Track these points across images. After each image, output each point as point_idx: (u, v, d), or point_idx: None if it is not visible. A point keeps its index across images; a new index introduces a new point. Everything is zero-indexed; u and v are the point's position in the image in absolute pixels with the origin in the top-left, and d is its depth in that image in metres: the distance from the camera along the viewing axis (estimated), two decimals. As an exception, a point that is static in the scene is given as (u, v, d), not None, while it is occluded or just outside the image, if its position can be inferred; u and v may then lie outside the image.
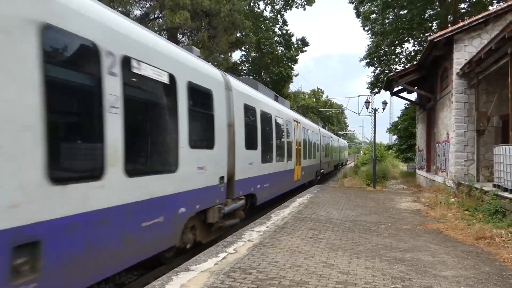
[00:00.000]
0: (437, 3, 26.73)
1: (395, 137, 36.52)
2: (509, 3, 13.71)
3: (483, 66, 12.55)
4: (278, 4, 42.75)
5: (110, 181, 4.91)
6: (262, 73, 44.22)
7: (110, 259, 5.02)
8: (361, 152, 71.26)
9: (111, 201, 4.95)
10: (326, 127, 40.59)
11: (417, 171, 23.61)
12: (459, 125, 14.22)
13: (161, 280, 5.35)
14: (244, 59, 45.49)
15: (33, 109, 3.89)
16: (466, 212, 10.70)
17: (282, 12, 43.36)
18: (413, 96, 23.34)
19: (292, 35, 44.24)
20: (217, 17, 27.12)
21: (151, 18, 28.35)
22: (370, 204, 13.19)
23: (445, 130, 15.98)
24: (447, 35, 14.17)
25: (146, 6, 28.52)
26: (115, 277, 6.55)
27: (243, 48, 41.42)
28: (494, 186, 11.07)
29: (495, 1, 25.46)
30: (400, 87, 19.65)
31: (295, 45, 44.78)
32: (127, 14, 25.10)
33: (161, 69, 6.15)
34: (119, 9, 24.29)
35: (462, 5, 27.25)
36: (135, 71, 5.56)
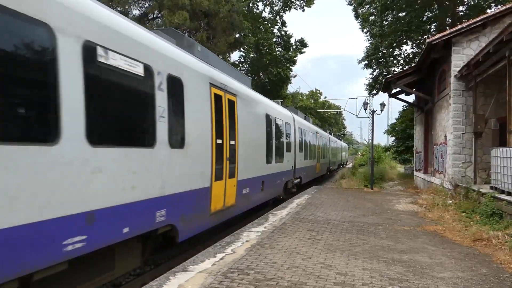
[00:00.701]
0: (436, 5, 26.83)
1: (392, 138, 36.66)
2: (507, 7, 13.77)
3: (481, 69, 12.60)
4: (277, 5, 42.81)
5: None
6: (261, 74, 44.24)
7: (266, 196, 12.68)
8: (359, 153, 71.37)
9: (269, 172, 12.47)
10: (328, 131, 40.91)
11: (415, 172, 23.68)
12: (457, 127, 14.26)
13: (159, 280, 5.35)
14: (243, 60, 45.49)
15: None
16: (463, 214, 10.73)
17: (281, 13, 43.41)
18: (411, 98, 23.42)
19: (291, 36, 44.30)
20: (216, 17, 27.13)
21: (150, 18, 28.33)
22: (368, 205, 13.22)
23: (442, 132, 16.04)
24: (445, 37, 14.23)
25: (145, 6, 28.51)
26: (112, 280, 6.54)
27: (241, 49, 41.43)
28: (491, 188, 11.11)
29: (493, 4, 25.57)
30: (398, 89, 19.77)
31: (294, 46, 44.84)
32: (125, 14, 25.06)
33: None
34: (118, 9, 24.26)
35: (460, 8, 27.37)
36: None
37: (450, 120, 14.51)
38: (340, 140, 61.55)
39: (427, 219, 10.60)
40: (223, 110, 8.89)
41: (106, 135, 5.20)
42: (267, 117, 12.73)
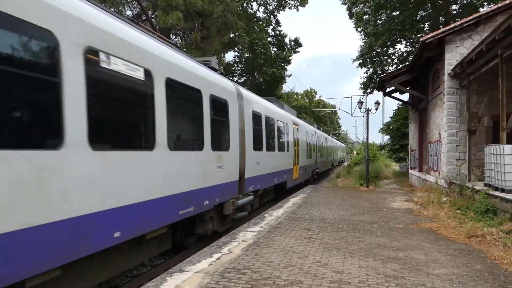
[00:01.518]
0: (429, 4, 26.98)
1: (387, 137, 36.76)
2: (499, 5, 13.88)
3: (474, 67, 12.69)
4: (271, 5, 42.84)
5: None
6: (256, 74, 44.28)
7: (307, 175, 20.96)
8: (354, 152, 72.11)
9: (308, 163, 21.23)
10: (321, 129, 41.44)
11: (410, 170, 23.80)
12: (451, 125, 14.38)
13: (155, 281, 5.35)
14: (237, 60, 45.50)
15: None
16: (458, 211, 10.82)
17: (275, 13, 43.45)
18: (405, 97, 23.54)
19: (285, 36, 44.36)
20: (210, 17, 27.11)
21: (143, 18, 28.28)
22: (364, 203, 13.28)
23: (437, 130, 16.14)
24: (439, 36, 14.32)
25: (139, 7, 28.45)
26: (109, 280, 6.54)
27: (236, 49, 41.43)
28: (485, 185, 11.21)
29: (485, 3, 25.75)
30: (392, 88, 19.91)
31: (288, 46, 44.90)
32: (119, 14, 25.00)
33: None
34: (112, 9, 24.20)
35: (454, 7, 27.54)
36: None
37: (444, 118, 14.61)
38: (338, 140, 63.37)
39: (422, 217, 10.67)
40: (296, 134, 18.63)
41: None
42: (308, 134, 22.55)
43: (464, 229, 8.74)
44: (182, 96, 7.22)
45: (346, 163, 55.07)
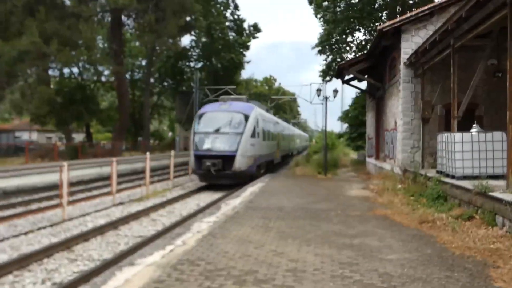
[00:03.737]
0: (387, -7, 27.45)
1: (346, 125, 37.46)
2: (453, -4, 14.23)
3: (428, 57, 13.01)
4: (230, -13, 42.07)
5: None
6: (213, 59, 43.47)
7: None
8: (313, 140, 74.59)
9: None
10: (280, 117, 42.38)
11: (367, 159, 24.37)
12: (406, 113, 14.73)
13: (103, 275, 5.08)
14: (194, 45, 44.41)
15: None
16: (412, 197, 11.11)
17: (234, -4, 42.70)
18: (364, 85, 23.96)
19: (244, 21, 43.81)
20: (165, -1, 26.26)
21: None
22: (321, 192, 13.41)
23: (393, 118, 16.52)
24: (395, 25, 14.54)
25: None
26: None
27: (192, 33, 40.37)
28: (437, 172, 11.60)
29: (440, -6, 26.47)
30: (351, 76, 20.15)
31: (247, 31, 44.40)
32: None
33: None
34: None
35: (410, -3, 28.18)
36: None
37: (400, 107, 14.95)
38: (300, 130, 64.80)
39: (378, 204, 10.89)
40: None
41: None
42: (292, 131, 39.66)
43: (416, 215, 8.98)
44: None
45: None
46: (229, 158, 16.75)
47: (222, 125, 17.70)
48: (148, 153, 18.47)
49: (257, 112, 19.80)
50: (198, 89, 37.61)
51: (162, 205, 13.13)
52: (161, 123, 73.35)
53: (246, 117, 18.17)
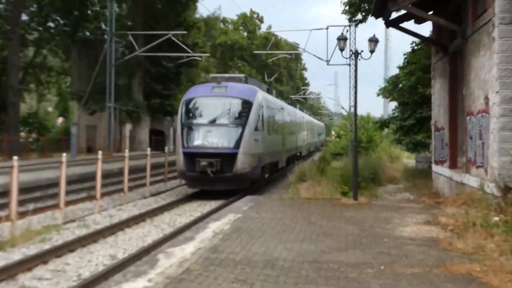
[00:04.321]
0: None
1: (394, 104, 24.16)
2: None
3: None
4: None
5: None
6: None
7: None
8: (332, 132, 47.32)
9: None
10: (273, 92, 26.83)
11: (433, 166, 16.22)
12: (507, 82, 9.47)
13: None
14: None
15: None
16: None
17: None
18: (426, 29, 17.90)
19: None
20: None
21: None
22: (348, 229, 8.62)
23: (481, 90, 10.78)
24: None
25: None
26: None
27: None
28: None
29: None
30: (402, 12, 13.69)
31: None
32: None
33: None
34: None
35: None
36: None
37: (494, 69, 9.57)
38: (311, 115, 50.46)
39: (455, 253, 6.63)
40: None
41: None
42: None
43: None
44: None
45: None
46: (229, 157, 14.60)
47: (218, 115, 15.46)
48: (15, 158, 10.25)
49: (261, 97, 17.13)
50: (114, 36, 25.99)
51: (35, 260, 7.41)
52: (43, 99, 47.96)
53: (248, 104, 15.71)
